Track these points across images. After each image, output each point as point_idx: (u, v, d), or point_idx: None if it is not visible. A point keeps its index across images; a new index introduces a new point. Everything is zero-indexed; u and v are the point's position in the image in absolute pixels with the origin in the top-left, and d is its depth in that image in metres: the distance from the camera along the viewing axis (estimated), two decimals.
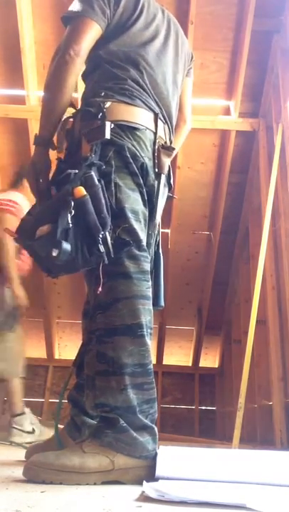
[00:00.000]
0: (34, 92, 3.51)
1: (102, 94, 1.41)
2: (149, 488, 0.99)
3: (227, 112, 3.62)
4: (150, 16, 1.58)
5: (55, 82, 1.40)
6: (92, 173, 1.28)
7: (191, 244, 4.24)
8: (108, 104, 1.38)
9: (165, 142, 1.50)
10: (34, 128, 3.45)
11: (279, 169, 3.06)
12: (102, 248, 1.23)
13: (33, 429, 2.60)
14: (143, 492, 0.99)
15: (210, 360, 5.07)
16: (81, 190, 1.23)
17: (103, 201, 1.27)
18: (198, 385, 4.88)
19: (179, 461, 1.18)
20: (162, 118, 1.49)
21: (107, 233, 1.25)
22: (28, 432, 2.57)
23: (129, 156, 1.37)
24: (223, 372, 4.68)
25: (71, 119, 1.46)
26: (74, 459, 1.15)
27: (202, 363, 5.02)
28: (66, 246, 1.19)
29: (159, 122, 1.47)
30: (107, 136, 1.32)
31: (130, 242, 1.32)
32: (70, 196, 1.22)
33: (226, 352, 4.70)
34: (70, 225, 1.20)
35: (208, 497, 0.92)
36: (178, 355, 5.07)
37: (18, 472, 1.22)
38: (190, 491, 0.97)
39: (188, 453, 1.26)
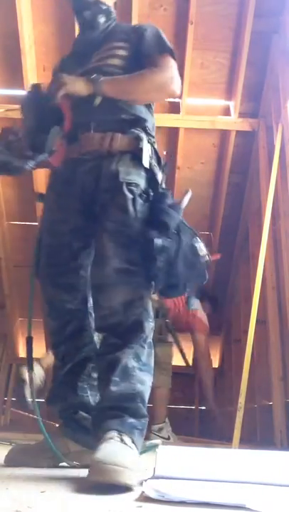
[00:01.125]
0: None
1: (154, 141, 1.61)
2: (149, 488, 0.99)
3: (227, 112, 3.61)
4: None
5: (152, 92, 1.61)
6: None
7: None
8: None
9: None
10: None
11: (279, 169, 3.06)
12: None
13: (169, 437, 3.00)
14: (143, 492, 0.99)
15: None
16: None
17: None
18: (198, 385, 4.87)
19: (179, 461, 1.18)
20: None
21: None
22: (164, 438, 2.95)
23: None
24: (223, 372, 4.68)
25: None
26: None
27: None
28: None
29: None
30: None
31: None
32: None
33: (226, 352, 4.69)
34: None
35: (208, 497, 0.92)
36: (178, 355, 5.05)
37: (18, 472, 1.22)
38: (190, 491, 0.97)
39: (188, 453, 1.26)
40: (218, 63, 3.44)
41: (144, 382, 1.35)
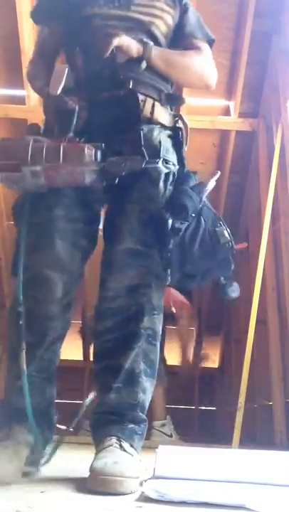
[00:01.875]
0: (34, 92, 3.50)
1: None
2: (149, 488, 0.99)
3: (227, 112, 3.61)
4: None
5: (195, 78, 1.55)
6: None
7: None
8: None
9: None
10: None
11: (279, 169, 3.06)
12: None
13: (171, 434, 3.07)
14: (143, 492, 0.99)
15: (210, 360, 5.05)
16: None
17: None
18: (198, 385, 4.87)
19: (178, 461, 1.18)
20: None
21: None
22: (169, 436, 3.04)
23: None
24: (223, 372, 4.68)
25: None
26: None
27: (202, 363, 5.00)
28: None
29: None
30: None
31: None
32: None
33: (226, 352, 4.69)
34: None
35: (208, 497, 0.92)
36: (178, 356, 5.05)
37: None
38: (190, 491, 0.97)
39: (188, 453, 1.26)
40: (218, 63, 3.37)
41: (147, 390, 1.30)
